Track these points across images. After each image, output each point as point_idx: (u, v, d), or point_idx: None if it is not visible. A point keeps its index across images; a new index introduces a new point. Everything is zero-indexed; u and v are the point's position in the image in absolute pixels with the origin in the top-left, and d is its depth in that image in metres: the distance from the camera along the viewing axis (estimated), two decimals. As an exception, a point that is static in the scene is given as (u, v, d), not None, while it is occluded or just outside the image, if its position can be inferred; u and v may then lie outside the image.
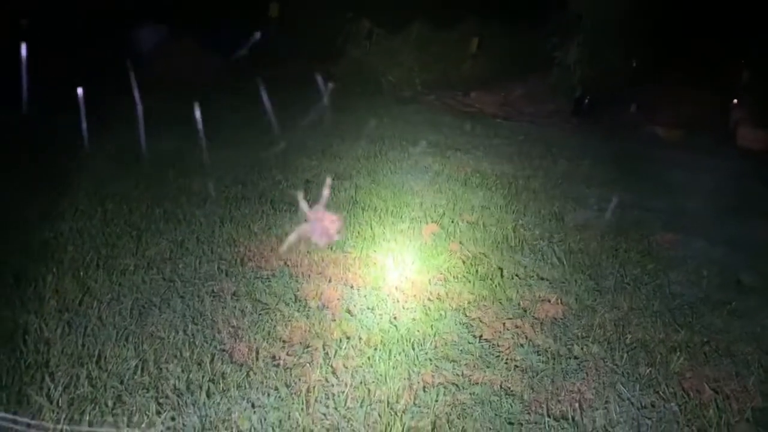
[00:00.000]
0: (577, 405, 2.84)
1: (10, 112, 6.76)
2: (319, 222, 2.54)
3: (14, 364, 2.80)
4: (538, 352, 3.23)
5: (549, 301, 3.76)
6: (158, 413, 2.57)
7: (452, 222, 4.89)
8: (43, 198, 4.72)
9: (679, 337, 3.45)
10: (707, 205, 5.79)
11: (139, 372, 2.83)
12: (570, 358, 3.19)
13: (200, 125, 6.84)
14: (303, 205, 2.51)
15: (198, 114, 7.26)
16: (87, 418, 2.54)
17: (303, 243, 2.75)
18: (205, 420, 2.55)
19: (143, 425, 2.51)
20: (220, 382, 2.79)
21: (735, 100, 9.92)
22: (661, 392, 2.96)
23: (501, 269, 4.11)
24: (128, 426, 2.52)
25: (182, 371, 2.84)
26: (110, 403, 2.63)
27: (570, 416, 2.76)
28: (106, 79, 7.61)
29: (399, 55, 10.62)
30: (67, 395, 2.66)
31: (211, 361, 2.93)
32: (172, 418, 2.56)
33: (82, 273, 3.69)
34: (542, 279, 4.03)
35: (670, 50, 10.30)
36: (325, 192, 2.51)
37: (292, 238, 2.54)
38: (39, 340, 2.98)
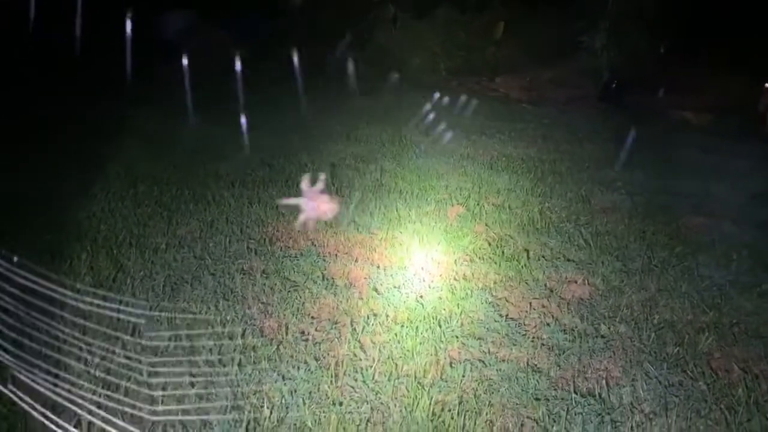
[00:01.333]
0: (603, 382, 2.85)
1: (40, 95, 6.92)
2: (313, 201, 2.83)
3: (53, 336, 2.90)
4: (564, 330, 3.23)
5: (576, 282, 3.75)
6: (191, 384, 2.64)
7: (478, 204, 4.89)
8: (75, 179, 4.83)
9: (708, 318, 3.43)
10: (736, 190, 5.70)
11: (172, 345, 2.90)
12: (597, 337, 3.19)
13: (226, 110, 6.93)
14: (304, 184, 2.83)
15: (223, 99, 7.35)
16: (123, 387, 2.62)
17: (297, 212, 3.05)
18: (237, 391, 2.62)
19: (178, 395, 2.58)
20: (251, 355, 2.85)
21: (766, 85, 9.71)
22: (688, 371, 2.96)
23: (527, 250, 4.12)
24: (162, 396, 2.59)
25: (214, 344, 2.91)
26: (145, 374, 2.71)
27: (597, 393, 2.77)
28: (132, 65, 7.72)
29: (424, 40, 10.58)
30: (103, 366, 2.75)
31: (242, 335, 3.00)
32: (205, 389, 2.63)
33: (115, 251, 3.79)
34: (569, 260, 4.03)
35: (699, 34, 10.11)
36: (321, 179, 2.82)
37: (289, 201, 2.82)
38: (76, 314, 3.07)
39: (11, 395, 2.50)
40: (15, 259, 3.14)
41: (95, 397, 2.57)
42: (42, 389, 2.54)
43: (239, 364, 2.78)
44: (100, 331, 2.94)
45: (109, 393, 2.57)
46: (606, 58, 9.92)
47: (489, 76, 10.62)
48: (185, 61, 7.50)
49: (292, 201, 2.88)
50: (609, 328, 3.29)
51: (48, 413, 2.44)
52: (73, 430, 2.39)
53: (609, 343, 3.16)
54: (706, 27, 10.18)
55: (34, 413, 2.43)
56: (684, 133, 8.40)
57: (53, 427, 2.39)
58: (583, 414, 2.65)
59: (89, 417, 2.44)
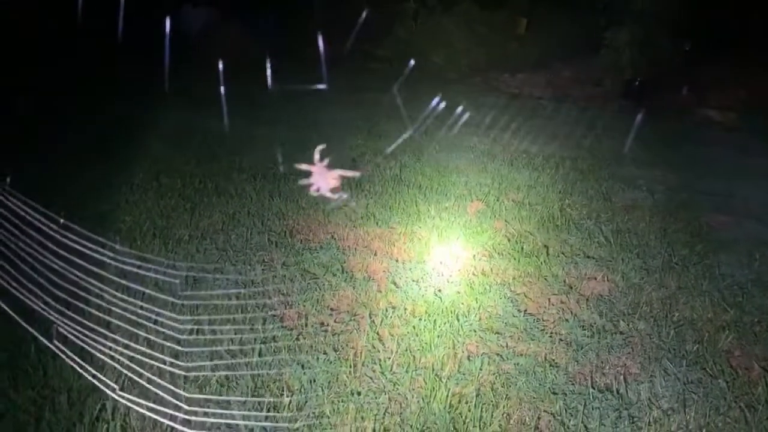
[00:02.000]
0: (621, 378, 2.85)
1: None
2: (321, 175, 3.00)
3: (78, 323, 2.96)
4: (583, 326, 3.23)
5: (595, 279, 3.75)
6: (213, 370, 2.69)
7: (497, 200, 4.89)
8: (100, 172, 4.92)
9: (728, 316, 3.40)
10: (760, 188, 5.64)
11: (194, 334, 2.95)
12: (615, 334, 3.19)
13: (247, 104, 6.99)
14: (316, 156, 3.06)
15: (245, 93, 7.41)
16: (145, 375, 2.68)
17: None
18: (257, 379, 2.66)
19: (198, 383, 2.63)
20: (272, 344, 2.90)
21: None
22: (708, 369, 2.94)
23: (546, 247, 4.11)
24: (185, 384, 2.64)
25: (235, 334, 2.96)
26: (167, 362, 2.76)
27: (614, 388, 2.77)
28: (155, 59, 7.79)
29: (445, 36, 10.56)
30: (127, 354, 2.80)
31: (263, 325, 3.04)
32: (226, 377, 2.67)
33: (139, 242, 3.85)
34: (588, 257, 4.02)
35: (724, 31, 9.97)
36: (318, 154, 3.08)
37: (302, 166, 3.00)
38: (100, 304, 3.14)
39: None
40: (61, 221, 3.22)
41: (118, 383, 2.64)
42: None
43: (260, 354, 2.82)
44: (125, 316, 2.99)
45: (133, 377, 2.62)
46: (629, 54, 9.82)
47: (510, 73, 10.58)
48: (206, 56, 7.56)
49: (304, 167, 3.11)
50: (628, 324, 3.28)
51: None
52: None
53: (628, 339, 3.16)
54: (732, 23, 10.04)
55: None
56: (707, 131, 8.30)
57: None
58: (601, 409, 2.65)
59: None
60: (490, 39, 10.57)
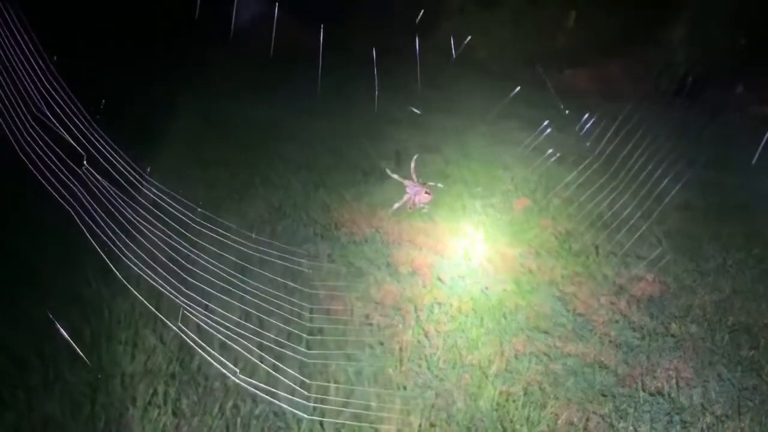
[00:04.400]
0: (673, 382, 2.78)
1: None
2: (416, 187, 3.11)
3: (130, 310, 3.03)
4: (633, 328, 3.17)
5: (646, 280, 3.66)
6: (261, 360, 2.72)
7: (544, 197, 4.82)
8: (148, 161, 4.99)
9: (787, 322, 3.29)
10: (821, 191, 5.42)
11: (242, 322, 2.99)
12: (667, 336, 3.11)
13: (291, 94, 7.04)
14: (412, 165, 3.51)
15: (288, 83, 7.45)
16: (195, 361, 2.73)
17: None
18: (304, 369, 2.68)
19: (247, 371, 2.67)
20: (318, 336, 2.92)
21: None
22: (764, 375, 2.85)
23: (596, 246, 4.03)
24: (235, 372, 2.68)
25: (283, 324, 2.99)
26: (217, 349, 2.80)
27: (666, 392, 2.71)
28: (204, 45, 7.88)
29: (491, 29, 10.42)
30: (177, 340, 2.86)
31: (310, 316, 3.06)
32: (274, 367, 2.70)
33: (188, 232, 3.91)
34: (639, 258, 3.93)
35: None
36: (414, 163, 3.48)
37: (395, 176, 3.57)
38: (151, 289, 3.20)
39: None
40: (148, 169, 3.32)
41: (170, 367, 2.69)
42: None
43: (306, 344, 2.85)
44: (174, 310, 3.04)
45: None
46: (682, 50, 9.54)
47: (558, 67, 10.37)
48: (254, 44, 7.65)
49: (397, 177, 3.37)
50: (680, 327, 3.20)
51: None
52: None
53: (679, 343, 3.08)
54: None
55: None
56: (763, 130, 8.00)
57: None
58: (652, 412, 2.60)
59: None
60: (537, 32, 10.38)
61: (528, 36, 10.49)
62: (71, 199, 3.29)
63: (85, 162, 3.41)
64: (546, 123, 7.17)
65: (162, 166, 4.88)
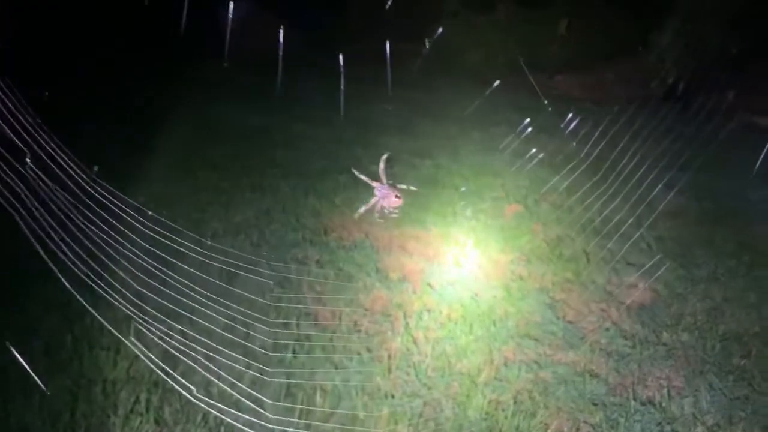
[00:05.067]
0: (665, 391, 2.75)
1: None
2: (386, 190, 3.20)
3: (113, 315, 2.97)
4: (624, 336, 3.14)
5: (637, 287, 3.64)
6: (247, 367, 2.67)
7: (536, 203, 4.80)
8: (136, 164, 4.93)
9: (777, 331, 3.27)
10: (812, 198, 5.42)
11: (228, 330, 2.94)
12: (658, 345, 3.08)
13: (283, 100, 6.99)
14: (381, 166, 3.19)
15: (281, 89, 7.41)
16: (180, 369, 2.67)
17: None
18: (291, 377, 2.63)
19: (232, 379, 2.61)
20: (305, 343, 2.87)
21: None
22: (755, 385, 2.82)
23: (586, 252, 4.01)
24: (219, 380, 2.63)
25: (269, 330, 2.93)
26: (201, 358, 2.75)
27: (657, 402, 2.68)
28: (191, 50, 7.81)
29: (484, 35, 10.43)
30: (161, 348, 2.80)
31: (297, 323, 3.02)
32: (260, 374, 2.65)
33: (174, 236, 3.86)
34: (630, 264, 3.90)
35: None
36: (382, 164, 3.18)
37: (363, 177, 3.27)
38: (136, 296, 3.14)
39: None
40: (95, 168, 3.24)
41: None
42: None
43: (293, 351, 2.80)
44: (159, 317, 2.99)
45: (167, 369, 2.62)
46: (673, 56, 9.57)
47: (550, 73, 10.39)
48: (243, 49, 7.58)
49: (365, 178, 3.14)
50: (671, 336, 3.17)
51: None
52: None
53: (671, 351, 3.05)
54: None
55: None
56: (754, 137, 8.01)
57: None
58: (642, 422, 2.56)
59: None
60: (530, 39, 10.39)
61: (519, 42, 10.49)
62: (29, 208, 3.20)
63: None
64: (536, 128, 7.16)
65: (151, 171, 4.84)
